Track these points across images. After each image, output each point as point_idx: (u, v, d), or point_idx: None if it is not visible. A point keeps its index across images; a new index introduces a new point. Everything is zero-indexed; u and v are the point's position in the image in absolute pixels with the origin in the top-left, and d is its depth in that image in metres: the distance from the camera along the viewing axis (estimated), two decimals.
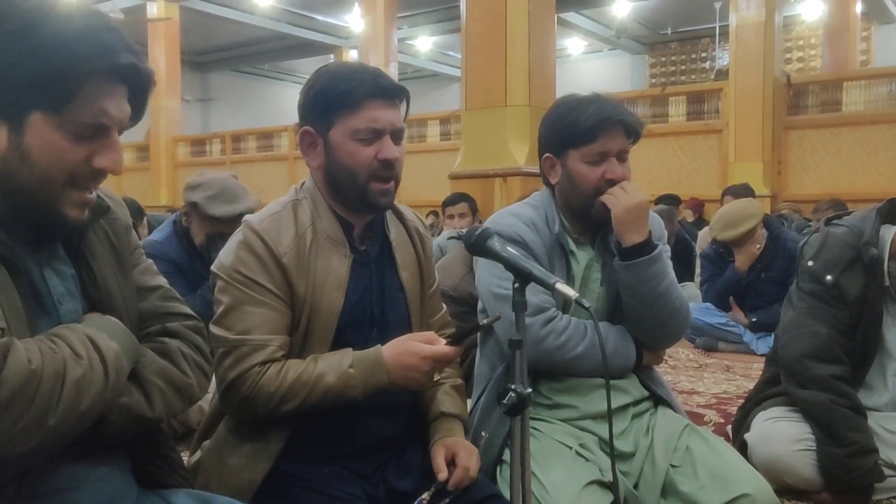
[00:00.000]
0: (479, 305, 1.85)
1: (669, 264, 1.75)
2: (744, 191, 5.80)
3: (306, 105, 1.45)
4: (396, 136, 1.43)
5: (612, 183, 1.69)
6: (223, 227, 2.64)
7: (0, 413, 0.84)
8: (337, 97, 1.40)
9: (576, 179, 1.72)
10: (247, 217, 1.46)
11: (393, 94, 1.42)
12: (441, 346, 1.33)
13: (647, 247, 1.67)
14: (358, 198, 1.44)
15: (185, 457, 1.51)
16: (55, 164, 0.96)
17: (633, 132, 1.71)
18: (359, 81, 1.39)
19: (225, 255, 1.43)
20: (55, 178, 0.96)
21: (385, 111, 1.41)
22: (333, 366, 1.36)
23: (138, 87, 1.02)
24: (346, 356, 1.37)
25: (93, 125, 0.97)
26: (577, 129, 1.68)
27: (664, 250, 1.76)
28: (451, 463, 1.44)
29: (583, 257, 1.76)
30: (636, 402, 1.76)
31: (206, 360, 1.17)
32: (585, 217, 1.75)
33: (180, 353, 1.13)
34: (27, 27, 0.92)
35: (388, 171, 1.42)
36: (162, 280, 1.21)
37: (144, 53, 1.04)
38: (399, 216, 1.59)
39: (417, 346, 1.34)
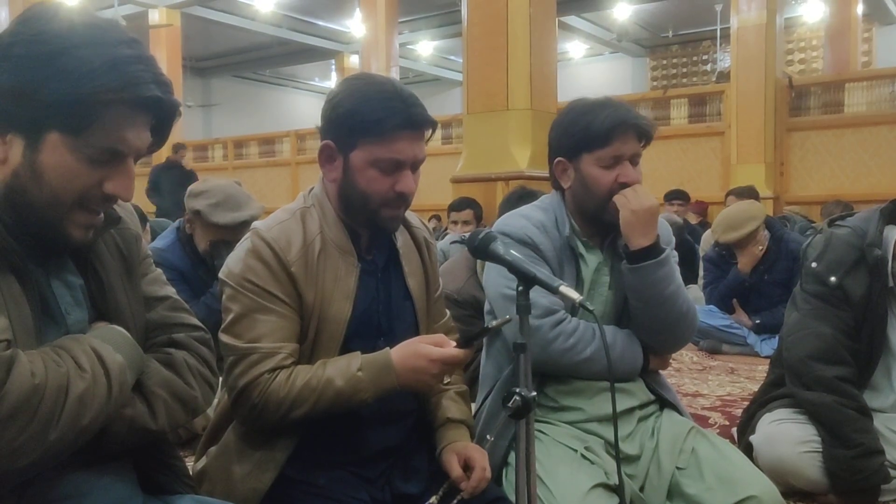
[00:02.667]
0: (486, 307, 1.85)
1: (677, 269, 1.75)
2: (747, 192, 5.80)
3: (331, 120, 1.42)
4: (416, 167, 1.43)
5: (626, 186, 1.69)
6: (227, 234, 2.64)
7: (1, 427, 0.84)
8: (365, 124, 1.37)
9: (589, 183, 1.72)
10: (255, 224, 1.46)
11: (422, 126, 1.41)
12: (450, 348, 1.33)
13: (654, 250, 1.66)
14: (367, 220, 1.45)
15: (190, 462, 1.51)
16: (66, 184, 0.96)
17: (645, 135, 1.71)
18: (390, 112, 1.36)
19: (233, 263, 1.42)
20: (64, 198, 0.97)
21: (411, 145, 1.39)
22: (342, 370, 1.35)
23: (162, 117, 1.03)
24: (355, 360, 1.36)
25: (109, 151, 0.97)
26: (591, 133, 1.68)
27: (672, 255, 1.76)
28: (465, 468, 1.44)
29: (592, 261, 1.76)
30: (642, 406, 1.75)
31: (211, 372, 1.17)
32: (598, 220, 1.74)
33: (186, 364, 1.12)
34: (56, 51, 0.93)
35: (401, 201, 1.43)
36: (170, 290, 1.21)
37: None
38: (406, 224, 1.58)
39: (427, 348, 1.33)
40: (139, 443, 1.08)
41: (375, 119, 1.36)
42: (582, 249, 1.76)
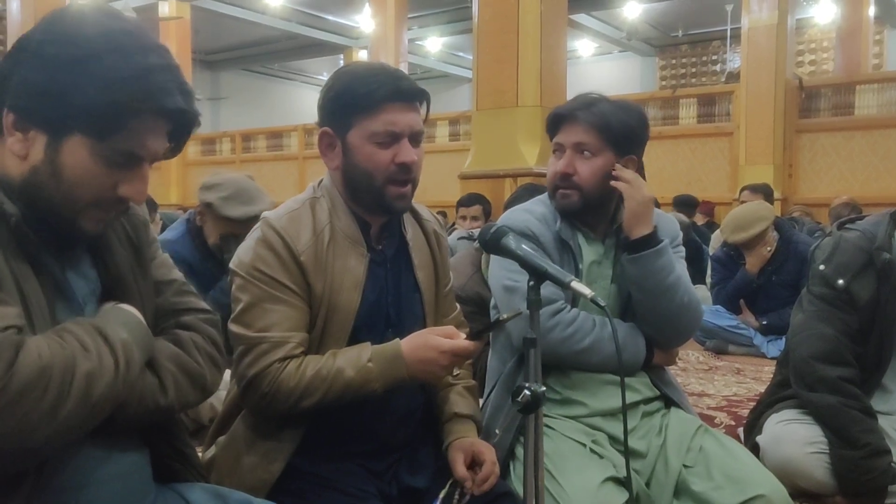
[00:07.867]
0: (493, 301, 1.85)
1: (678, 261, 1.76)
2: (762, 188, 5.79)
3: (325, 106, 1.45)
4: (414, 138, 1.43)
5: (563, 177, 1.72)
6: (237, 228, 2.64)
7: (13, 404, 0.85)
8: (355, 99, 1.39)
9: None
10: (265, 214, 1.46)
11: (412, 96, 1.42)
12: (460, 340, 1.33)
13: (653, 239, 1.68)
14: (375, 201, 1.44)
15: (199, 453, 1.52)
16: (82, 185, 0.98)
17: (599, 127, 1.70)
18: (378, 84, 1.38)
19: (244, 253, 1.43)
20: (79, 197, 0.99)
21: (404, 114, 1.40)
22: (352, 360, 1.36)
23: (182, 126, 1.04)
24: (365, 350, 1.37)
25: (127, 155, 0.99)
26: (547, 123, 1.78)
27: (679, 250, 1.77)
28: (473, 463, 1.45)
29: (590, 253, 1.76)
30: (647, 401, 1.75)
31: (219, 352, 1.16)
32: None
33: (192, 343, 1.12)
34: (87, 55, 0.94)
35: (405, 174, 1.42)
36: (177, 274, 1.22)
37: None
38: (416, 216, 1.59)
39: (437, 340, 1.34)
40: (150, 419, 1.08)
41: (365, 92, 1.38)
42: (582, 241, 1.76)
